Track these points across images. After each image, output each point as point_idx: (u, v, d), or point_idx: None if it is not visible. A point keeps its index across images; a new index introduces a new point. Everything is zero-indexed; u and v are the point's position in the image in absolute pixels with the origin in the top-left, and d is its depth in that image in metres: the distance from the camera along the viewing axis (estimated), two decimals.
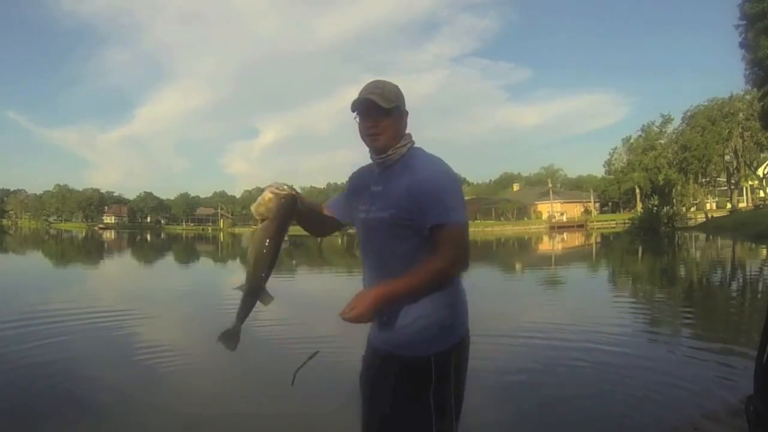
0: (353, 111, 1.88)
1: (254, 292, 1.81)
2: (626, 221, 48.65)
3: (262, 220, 1.78)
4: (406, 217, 1.77)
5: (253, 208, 1.81)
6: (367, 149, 1.93)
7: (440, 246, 1.74)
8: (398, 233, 1.79)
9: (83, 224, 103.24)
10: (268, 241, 1.79)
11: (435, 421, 1.75)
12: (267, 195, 1.78)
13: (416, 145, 1.92)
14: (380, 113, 1.83)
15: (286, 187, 1.82)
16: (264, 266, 1.81)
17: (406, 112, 1.92)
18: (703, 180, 56.68)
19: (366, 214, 1.90)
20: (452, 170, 1.87)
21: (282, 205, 1.76)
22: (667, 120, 61.94)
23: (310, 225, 2.07)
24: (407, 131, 1.92)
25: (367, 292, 1.76)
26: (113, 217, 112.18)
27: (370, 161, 1.97)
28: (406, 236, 1.79)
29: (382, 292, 1.72)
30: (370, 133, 1.86)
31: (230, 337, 1.87)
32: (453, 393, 1.80)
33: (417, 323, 1.76)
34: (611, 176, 69.98)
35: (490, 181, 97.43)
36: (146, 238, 61.49)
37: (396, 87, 1.91)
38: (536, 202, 71.39)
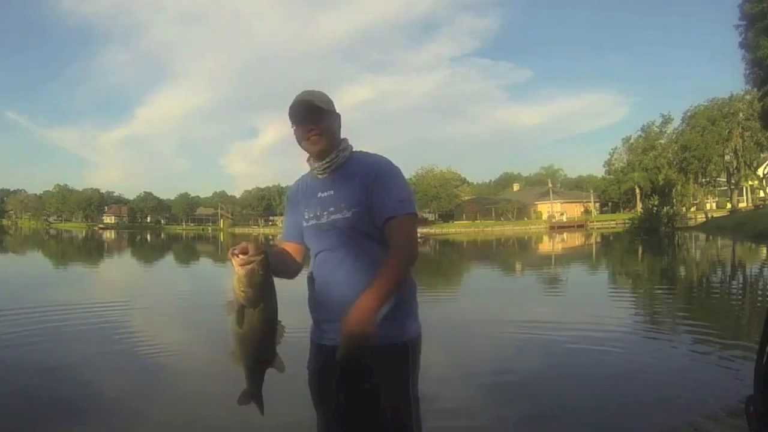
0: (290, 119, 1.87)
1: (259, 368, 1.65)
2: (626, 221, 48.61)
3: (247, 302, 1.55)
4: (367, 214, 1.78)
5: (235, 294, 1.58)
6: (305, 161, 1.93)
7: (395, 239, 1.75)
8: (360, 232, 1.80)
9: (83, 224, 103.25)
10: (260, 332, 1.59)
11: (414, 409, 1.78)
12: (238, 275, 1.56)
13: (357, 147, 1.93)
14: (318, 115, 1.83)
15: (248, 249, 1.59)
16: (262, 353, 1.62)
17: (339, 115, 1.91)
18: (703, 180, 56.65)
19: (317, 219, 1.88)
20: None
21: (259, 281, 1.55)
22: (667, 120, 61.99)
23: (281, 275, 1.90)
24: (342, 137, 1.92)
25: (360, 312, 1.63)
26: (113, 217, 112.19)
27: (305, 173, 2.00)
28: (368, 234, 1.80)
29: (374, 306, 1.64)
30: (311, 136, 1.84)
31: (250, 399, 1.70)
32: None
33: (390, 311, 1.72)
34: (611, 176, 69.94)
35: (490, 181, 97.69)
36: (146, 238, 61.46)
37: (325, 94, 1.90)
38: (536, 202, 71.37)
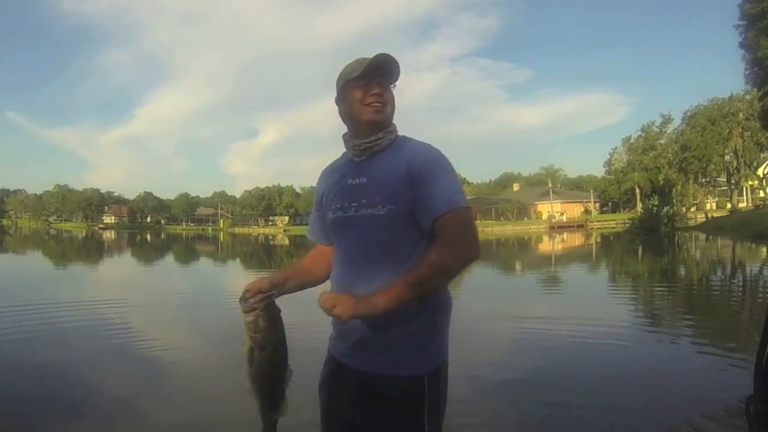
0: (353, 74, 1.58)
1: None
2: (626, 221, 48.62)
3: (254, 344, 1.54)
4: (405, 212, 1.50)
5: (244, 337, 1.56)
6: (343, 141, 1.66)
7: (447, 234, 1.46)
8: (397, 231, 1.51)
9: (83, 224, 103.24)
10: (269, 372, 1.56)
11: None
12: (244, 320, 1.54)
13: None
14: (389, 82, 1.59)
15: (261, 289, 1.54)
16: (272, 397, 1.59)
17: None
18: (703, 180, 56.65)
19: (343, 212, 1.59)
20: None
21: (264, 327, 1.52)
22: (667, 120, 62.00)
23: (308, 286, 1.76)
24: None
25: (358, 306, 1.43)
26: (113, 217, 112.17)
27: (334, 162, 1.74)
28: (407, 234, 1.51)
29: (380, 307, 1.42)
30: (374, 102, 1.56)
31: None
32: (443, 412, 1.54)
33: (410, 337, 1.48)
34: (611, 176, 69.96)
35: (490, 181, 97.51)
36: (146, 238, 61.45)
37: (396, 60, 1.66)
38: (536, 202, 71.37)
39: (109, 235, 73.36)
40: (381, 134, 1.57)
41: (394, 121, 1.66)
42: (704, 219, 45.88)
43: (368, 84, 1.57)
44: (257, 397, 1.59)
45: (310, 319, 1.54)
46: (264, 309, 1.52)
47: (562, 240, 39.39)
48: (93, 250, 37.73)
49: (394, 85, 1.62)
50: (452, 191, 1.49)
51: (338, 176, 1.66)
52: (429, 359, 1.51)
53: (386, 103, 1.58)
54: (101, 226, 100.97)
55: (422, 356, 1.50)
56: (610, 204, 73.97)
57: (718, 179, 57.41)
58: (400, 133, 1.66)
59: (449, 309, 1.60)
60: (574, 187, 79.89)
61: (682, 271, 16.43)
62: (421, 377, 1.48)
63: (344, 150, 1.71)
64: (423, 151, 1.55)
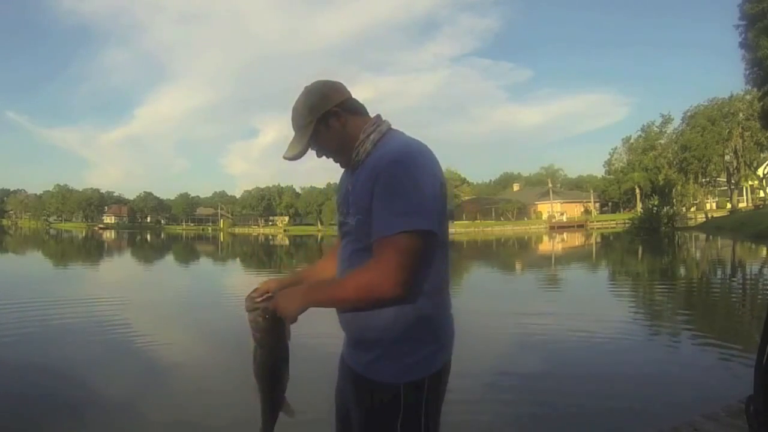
0: None
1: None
2: (626, 221, 48.67)
3: (257, 342, 1.59)
4: (368, 224, 1.45)
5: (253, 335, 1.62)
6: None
7: (371, 262, 1.42)
8: (367, 242, 1.46)
9: (83, 224, 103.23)
10: (266, 372, 1.62)
11: None
12: (248, 318, 1.60)
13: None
14: (303, 138, 1.59)
15: (268, 290, 1.63)
16: (269, 398, 1.64)
17: (335, 112, 1.56)
18: (703, 180, 56.65)
19: (342, 217, 1.63)
20: (415, 154, 1.47)
21: (264, 326, 1.56)
22: (667, 120, 62.03)
23: None
24: (374, 115, 1.61)
25: (298, 292, 1.54)
26: (113, 217, 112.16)
27: None
28: (368, 250, 1.47)
29: (299, 305, 1.51)
30: (326, 157, 1.64)
31: None
32: (425, 424, 1.49)
33: (388, 344, 1.48)
34: (611, 176, 69.95)
35: (490, 181, 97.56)
36: (146, 238, 61.49)
37: (305, 96, 1.59)
38: (536, 202, 71.41)
39: (109, 235, 73.40)
40: (353, 153, 1.56)
41: (395, 120, 1.63)
42: (704, 219, 45.91)
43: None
44: (258, 394, 1.63)
45: (318, 321, 1.53)
46: (265, 309, 1.56)
47: (562, 240, 39.42)
48: (93, 250, 37.75)
49: (314, 127, 1.56)
50: (396, 212, 1.38)
51: (343, 179, 1.69)
52: (406, 370, 1.47)
53: (329, 150, 1.60)
54: (101, 226, 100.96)
55: (398, 366, 1.47)
56: (610, 204, 74.00)
57: (718, 179, 57.41)
58: (401, 129, 1.62)
59: (439, 325, 1.53)
60: (574, 187, 79.92)
61: (682, 271, 16.45)
62: (396, 386, 1.46)
63: None
64: (385, 159, 1.45)
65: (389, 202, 1.40)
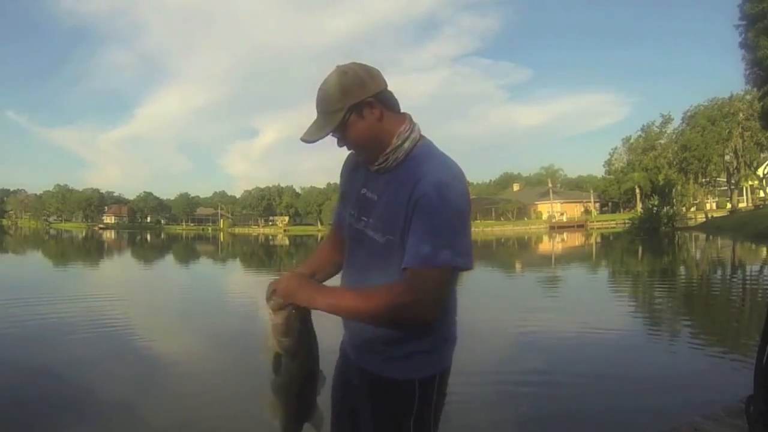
0: None
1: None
2: (626, 221, 48.66)
3: (283, 351, 1.36)
4: (402, 247, 1.38)
5: (271, 341, 1.38)
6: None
7: (406, 286, 1.34)
8: (394, 261, 1.39)
9: (83, 224, 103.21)
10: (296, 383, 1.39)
11: None
12: (273, 323, 1.37)
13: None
14: (331, 122, 1.42)
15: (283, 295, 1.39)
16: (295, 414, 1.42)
17: (370, 102, 1.40)
18: (703, 180, 56.64)
19: (356, 222, 1.52)
20: (459, 179, 1.39)
21: (296, 328, 1.35)
22: (667, 120, 62.00)
23: (333, 274, 1.69)
24: (404, 113, 1.48)
25: (315, 292, 1.43)
26: (113, 217, 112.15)
27: None
28: (397, 269, 1.39)
29: (314, 305, 1.41)
30: (347, 149, 1.50)
31: None
32: (434, 417, 1.51)
33: (402, 342, 1.45)
34: (611, 176, 69.95)
35: (490, 181, 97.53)
36: (146, 238, 61.48)
37: (338, 76, 1.41)
38: (536, 202, 71.42)
39: (109, 235, 73.38)
40: (382, 159, 1.44)
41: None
42: (704, 219, 45.90)
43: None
44: (283, 410, 1.41)
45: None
46: (297, 307, 1.35)
47: (562, 240, 39.41)
48: (93, 250, 37.73)
49: (366, 100, 1.39)
50: (441, 244, 1.32)
51: (356, 180, 1.57)
52: (419, 366, 1.47)
53: (356, 143, 1.46)
54: (101, 226, 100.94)
55: (412, 362, 1.47)
56: (610, 204, 73.99)
57: (718, 179, 57.41)
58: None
59: (449, 322, 1.52)
60: (574, 187, 79.91)
61: (682, 271, 16.44)
62: (411, 381, 1.45)
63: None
64: (429, 181, 1.34)
65: (434, 231, 1.33)
